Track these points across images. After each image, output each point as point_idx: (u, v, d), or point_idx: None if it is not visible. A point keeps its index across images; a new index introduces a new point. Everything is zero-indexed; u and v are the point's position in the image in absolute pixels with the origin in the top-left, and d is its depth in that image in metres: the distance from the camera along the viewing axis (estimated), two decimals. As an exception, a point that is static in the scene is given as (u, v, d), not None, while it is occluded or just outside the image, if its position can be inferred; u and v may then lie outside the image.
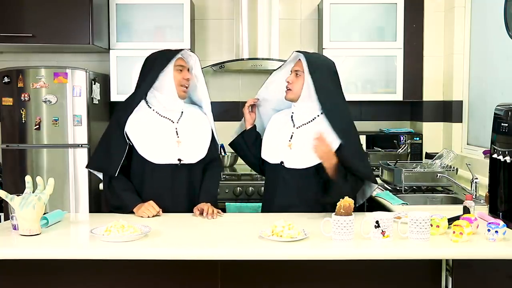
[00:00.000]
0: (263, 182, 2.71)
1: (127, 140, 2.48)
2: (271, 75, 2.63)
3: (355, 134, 2.52)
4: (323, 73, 2.47)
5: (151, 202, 2.43)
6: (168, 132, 2.50)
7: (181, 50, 2.53)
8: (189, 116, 2.58)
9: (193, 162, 2.51)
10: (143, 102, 2.55)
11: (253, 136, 2.69)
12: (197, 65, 2.57)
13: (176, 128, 2.52)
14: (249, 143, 2.69)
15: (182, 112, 2.57)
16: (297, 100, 2.50)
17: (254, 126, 2.71)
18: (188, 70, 2.55)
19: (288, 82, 2.49)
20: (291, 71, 2.52)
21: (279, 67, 2.62)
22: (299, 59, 2.49)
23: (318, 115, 2.51)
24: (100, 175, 2.57)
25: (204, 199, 2.50)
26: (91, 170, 2.61)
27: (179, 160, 2.48)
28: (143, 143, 2.48)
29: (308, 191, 2.47)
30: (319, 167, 2.43)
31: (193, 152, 2.53)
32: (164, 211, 2.43)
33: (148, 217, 2.38)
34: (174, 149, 2.49)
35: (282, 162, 2.49)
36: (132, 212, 2.42)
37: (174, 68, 2.48)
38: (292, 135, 2.52)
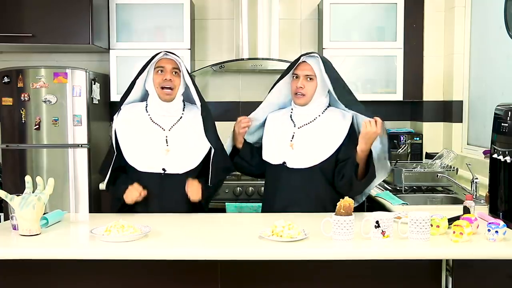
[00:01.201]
0: (263, 182, 2.70)
1: (116, 140, 2.50)
2: (270, 94, 2.60)
3: None
4: (337, 73, 2.51)
5: (134, 185, 2.41)
6: (157, 140, 2.47)
7: (158, 53, 2.48)
8: (188, 123, 2.53)
9: (180, 172, 2.46)
10: (143, 104, 2.56)
11: (248, 151, 2.66)
12: (182, 66, 2.50)
13: (166, 136, 2.49)
14: (247, 160, 2.67)
15: (181, 117, 2.54)
16: (307, 104, 2.50)
17: (245, 141, 2.67)
18: (178, 70, 2.48)
19: (300, 87, 2.47)
20: (296, 75, 2.51)
21: (277, 82, 2.59)
22: (304, 61, 2.49)
23: (319, 115, 2.52)
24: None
25: (202, 181, 2.47)
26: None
27: (163, 169, 2.46)
28: (130, 149, 2.48)
29: (310, 191, 2.47)
30: (323, 166, 2.45)
31: (181, 162, 2.47)
32: None
33: (136, 201, 2.39)
34: (160, 158, 2.46)
35: (284, 163, 2.49)
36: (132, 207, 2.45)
37: (154, 70, 2.47)
38: (293, 135, 2.51)
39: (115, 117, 2.55)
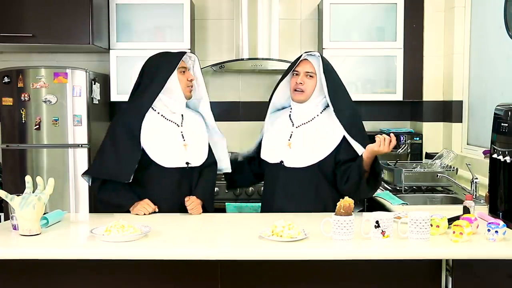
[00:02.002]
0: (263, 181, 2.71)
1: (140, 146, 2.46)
2: (273, 96, 2.62)
3: (365, 135, 2.53)
4: (336, 75, 2.51)
5: (146, 200, 2.44)
6: (175, 136, 2.51)
7: (183, 53, 2.54)
8: (190, 119, 2.59)
9: (199, 164, 2.53)
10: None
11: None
12: (197, 65, 2.59)
13: (181, 132, 2.53)
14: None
15: (182, 115, 2.57)
16: (306, 101, 2.50)
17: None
18: (189, 70, 2.57)
19: (299, 83, 2.48)
20: (296, 72, 2.51)
21: (279, 83, 2.60)
22: (306, 59, 2.50)
23: (317, 115, 2.53)
24: (90, 182, 2.54)
25: (200, 195, 2.50)
26: (84, 178, 2.56)
27: (187, 163, 2.49)
28: (153, 147, 2.47)
29: (309, 189, 2.47)
30: (321, 165, 2.45)
31: (199, 154, 2.55)
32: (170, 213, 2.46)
33: (144, 214, 2.40)
34: (182, 153, 2.50)
35: (282, 162, 2.50)
36: (128, 211, 2.44)
37: (178, 70, 2.49)
38: (291, 135, 2.52)
39: (147, 114, 2.48)
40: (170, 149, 2.49)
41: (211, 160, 2.62)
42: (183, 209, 2.46)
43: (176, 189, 2.49)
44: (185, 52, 2.55)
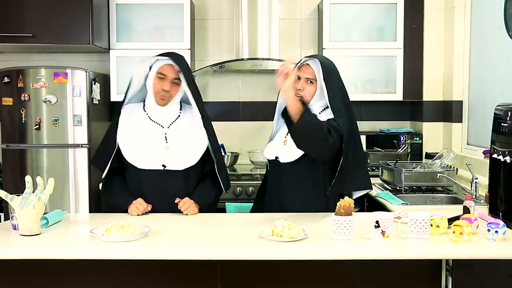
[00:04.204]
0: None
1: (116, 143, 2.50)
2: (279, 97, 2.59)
3: (358, 138, 2.53)
4: (337, 79, 2.50)
5: (138, 199, 2.44)
6: (156, 137, 2.49)
7: (163, 57, 2.45)
8: (186, 122, 2.55)
9: (179, 169, 2.48)
10: (141, 104, 2.57)
11: None
12: (182, 77, 2.46)
13: (165, 134, 2.50)
14: None
15: (179, 115, 2.55)
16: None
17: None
18: (179, 80, 2.47)
19: (299, 89, 2.48)
20: (298, 77, 2.51)
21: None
22: (307, 63, 2.49)
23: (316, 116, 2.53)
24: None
25: (195, 197, 2.49)
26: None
27: (163, 166, 2.47)
28: (129, 147, 2.49)
29: (306, 183, 2.49)
30: (312, 159, 2.44)
31: (181, 158, 2.49)
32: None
33: (138, 215, 2.40)
34: (159, 155, 2.47)
35: (277, 157, 2.52)
36: (127, 211, 2.45)
37: (156, 75, 2.45)
38: (288, 132, 2.54)
39: (122, 109, 2.54)
40: (147, 151, 2.47)
41: (207, 170, 2.58)
42: (166, 211, 2.45)
43: (156, 191, 2.47)
44: (168, 57, 2.44)
